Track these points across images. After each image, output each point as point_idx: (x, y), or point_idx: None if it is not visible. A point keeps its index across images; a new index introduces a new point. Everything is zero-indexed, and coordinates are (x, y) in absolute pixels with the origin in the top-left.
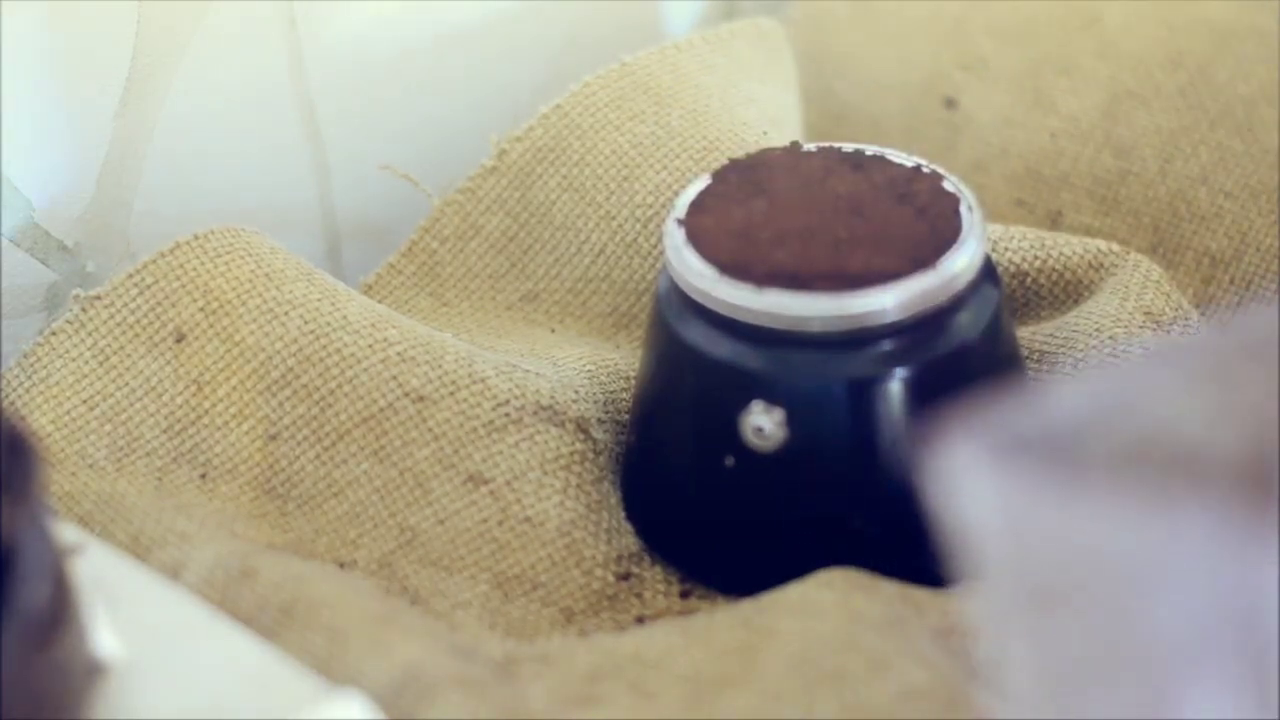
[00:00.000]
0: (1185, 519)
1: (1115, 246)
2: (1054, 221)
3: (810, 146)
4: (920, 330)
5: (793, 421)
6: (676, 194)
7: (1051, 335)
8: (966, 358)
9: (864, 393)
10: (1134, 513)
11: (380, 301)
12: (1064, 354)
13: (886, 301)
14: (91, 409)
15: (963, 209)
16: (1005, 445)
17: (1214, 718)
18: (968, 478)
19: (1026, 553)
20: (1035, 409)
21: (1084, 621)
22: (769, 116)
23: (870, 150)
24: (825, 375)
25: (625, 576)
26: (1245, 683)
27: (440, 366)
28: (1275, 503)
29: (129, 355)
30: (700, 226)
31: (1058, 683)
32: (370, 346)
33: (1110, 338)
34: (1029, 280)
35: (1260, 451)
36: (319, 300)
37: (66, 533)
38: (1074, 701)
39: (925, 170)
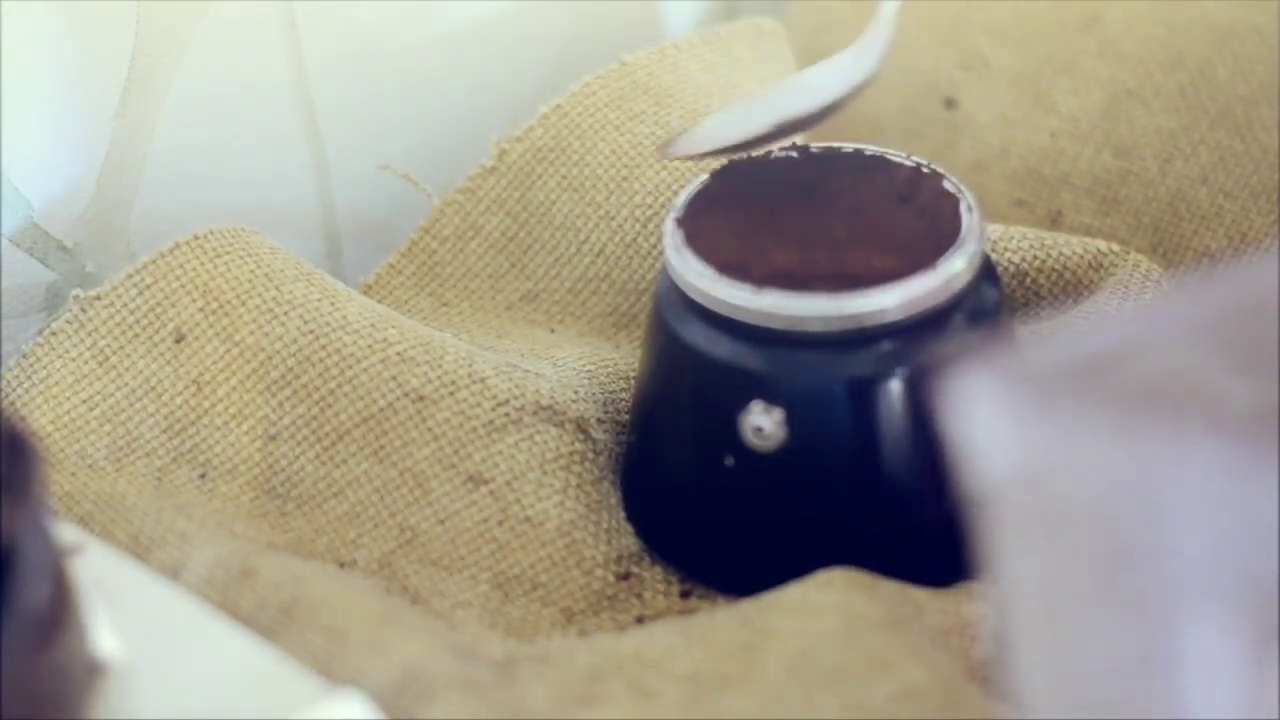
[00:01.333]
0: (1197, 454)
1: (1115, 246)
2: (1054, 221)
3: (810, 146)
4: (920, 330)
5: (792, 421)
6: (676, 194)
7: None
8: (966, 358)
9: (864, 393)
10: (1146, 446)
11: (380, 301)
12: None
13: (886, 301)
14: (91, 409)
15: (963, 209)
16: (1020, 378)
17: (1210, 651)
18: (982, 406)
19: (1037, 481)
20: (1052, 346)
21: (1090, 550)
22: None
23: (870, 150)
24: (825, 375)
25: (625, 576)
26: (1245, 619)
27: (440, 366)
28: None
29: (129, 355)
30: (699, 226)
31: (1060, 610)
32: (370, 346)
33: (1153, 301)
34: (1029, 280)
35: (1275, 398)
36: (319, 300)
37: (66, 533)
38: (1075, 628)
39: (925, 170)
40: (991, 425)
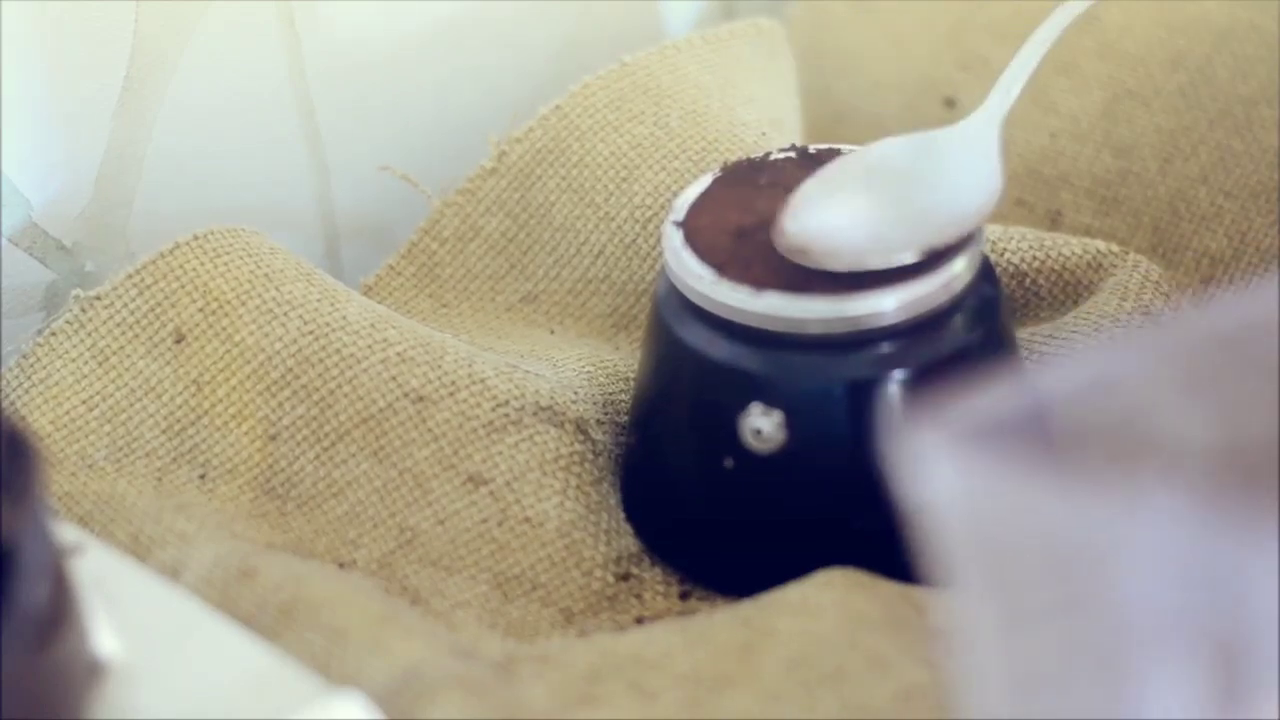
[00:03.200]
0: (1154, 505)
1: (1115, 246)
2: (1054, 221)
3: (810, 147)
4: (919, 332)
5: (792, 423)
6: (675, 195)
7: (1051, 335)
8: (966, 359)
9: (863, 395)
10: (1101, 497)
11: (380, 302)
12: (1063, 354)
13: (885, 303)
14: (91, 409)
15: None
16: (971, 428)
17: (1175, 709)
18: (931, 461)
19: (989, 537)
20: (1003, 393)
21: (1047, 608)
22: (769, 117)
23: None
24: (824, 377)
25: (625, 577)
26: (1209, 674)
27: (440, 367)
28: (1249, 492)
29: (128, 355)
30: (699, 228)
31: (1021, 670)
32: (370, 347)
33: (1109, 338)
34: (1028, 280)
35: (1234, 441)
36: (318, 300)
37: (66, 533)
38: (1037, 690)
39: None
40: (941, 480)
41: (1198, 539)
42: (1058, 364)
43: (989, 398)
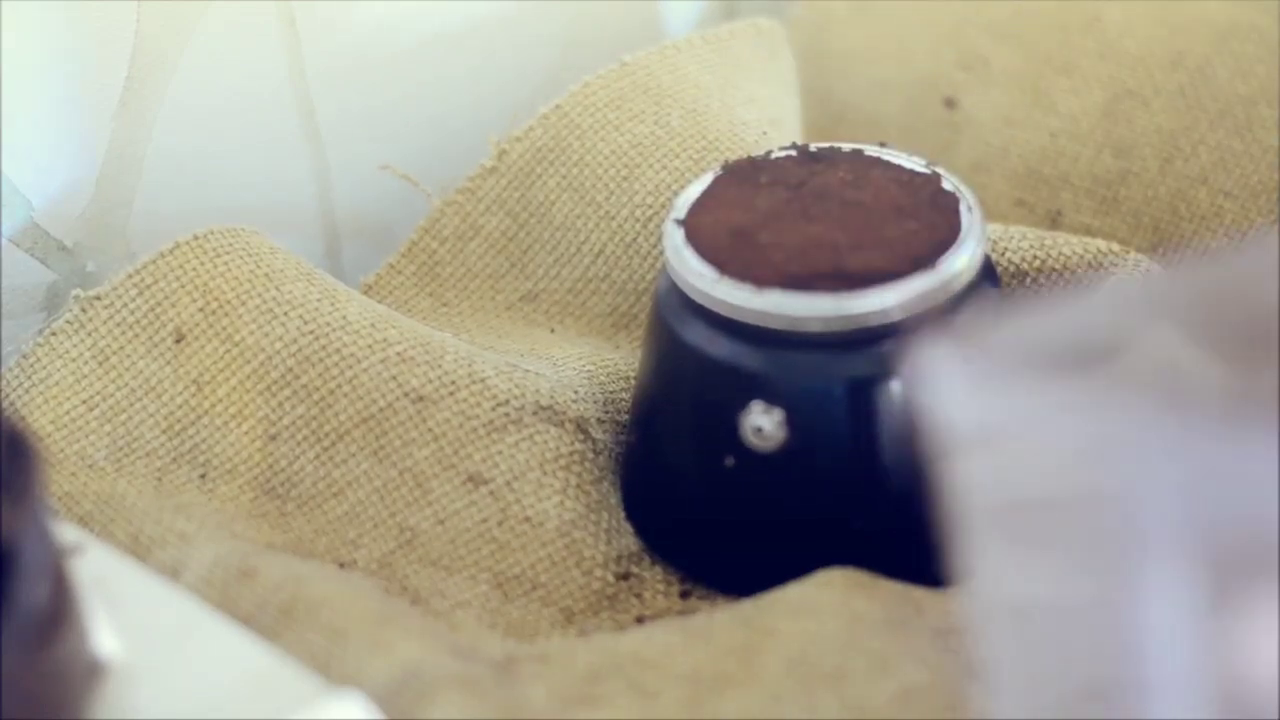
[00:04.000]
0: (1164, 425)
1: (1115, 246)
2: (1054, 221)
3: (810, 146)
4: (920, 331)
5: (792, 422)
6: (676, 194)
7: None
8: None
9: (864, 393)
10: (1111, 414)
11: (380, 301)
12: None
13: (886, 302)
14: (91, 409)
15: (963, 209)
16: (985, 352)
17: (1169, 611)
18: (946, 381)
19: (1001, 454)
20: (1019, 322)
21: (1052, 508)
22: (769, 116)
23: (870, 150)
24: (825, 376)
25: (625, 576)
26: (1203, 577)
27: (440, 366)
28: (1258, 417)
29: (129, 355)
30: (700, 227)
31: (1024, 587)
32: (370, 346)
33: (1118, 282)
34: (1029, 280)
35: (1244, 378)
36: (319, 300)
37: (66, 533)
38: (1038, 588)
39: (925, 170)
40: (954, 394)
41: (1202, 443)
42: (1067, 302)
43: (999, 325)
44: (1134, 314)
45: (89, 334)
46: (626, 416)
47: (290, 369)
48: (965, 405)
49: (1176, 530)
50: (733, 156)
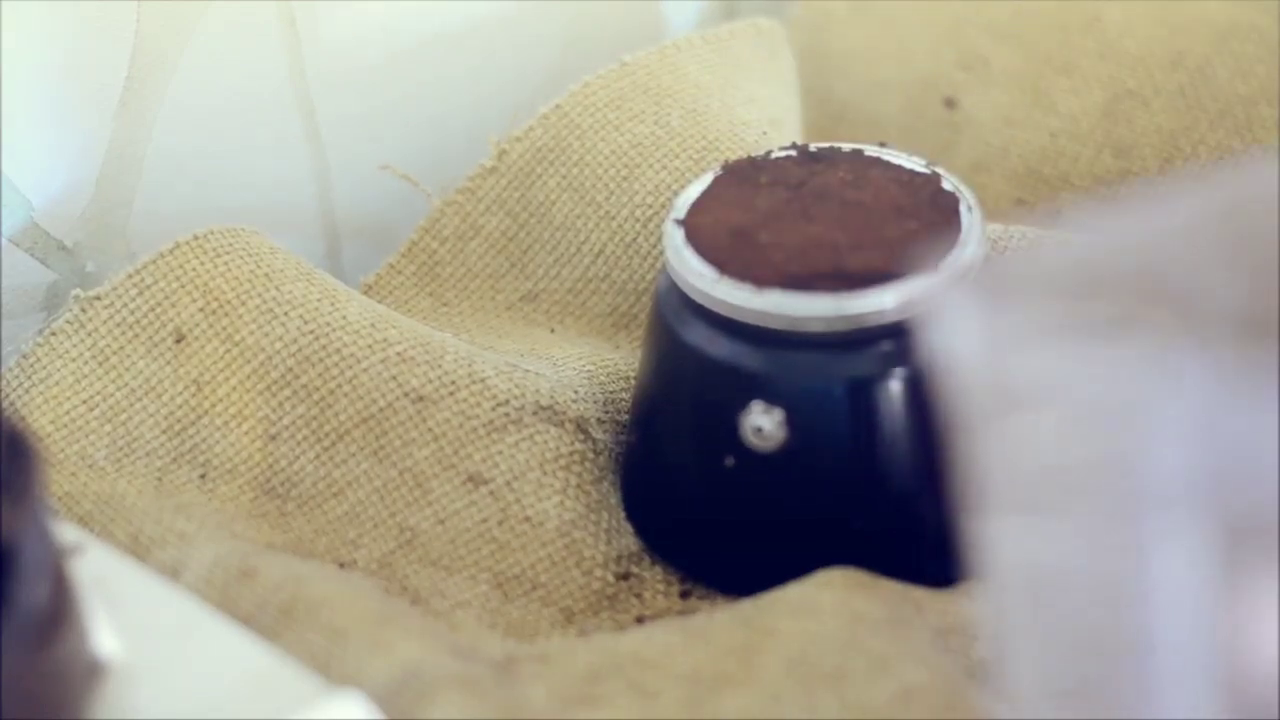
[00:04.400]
0: (1179, 363)
1: None
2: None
3: (810, 146)
4: (920, 330)
5: (792, 422)
6: (676, 194)
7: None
8: None
9: (864, 393)
10: (1125, 353)
11: (380, 301)
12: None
13: (886, 301)
14: (91, 409)
15: (963, 209)
16: (999, 284)
17: (1178, 571)
18: (958, 315)
19: (1011, 389)
20: (1033, 251)
21: (1063, 455)
22: (769, 116)
23: (870, 150)
24: (825, 375)
25: (625, 576)
26: (1214, 539)
27: (440, 366)
28: (1270, 356)
29: (129, 355)
30: (700, 227)
31: (1033, 525)
32: (370, 346)
33: (1139, 201)
34: None
35: (1263, 304)
36: (319, 300)
37: (66, 533)
38: (1038, 524)
39: (925, 170)
40: (968, 330)
41: (1218, 400)
42: (1088, 224)
43: (1013, 254)
44: (1157, 239)
45: (89, 334)
46: (626, 416)
47: (290, 369)
48: (984, 361)
49: (1189, 491)
50: (733, 156)
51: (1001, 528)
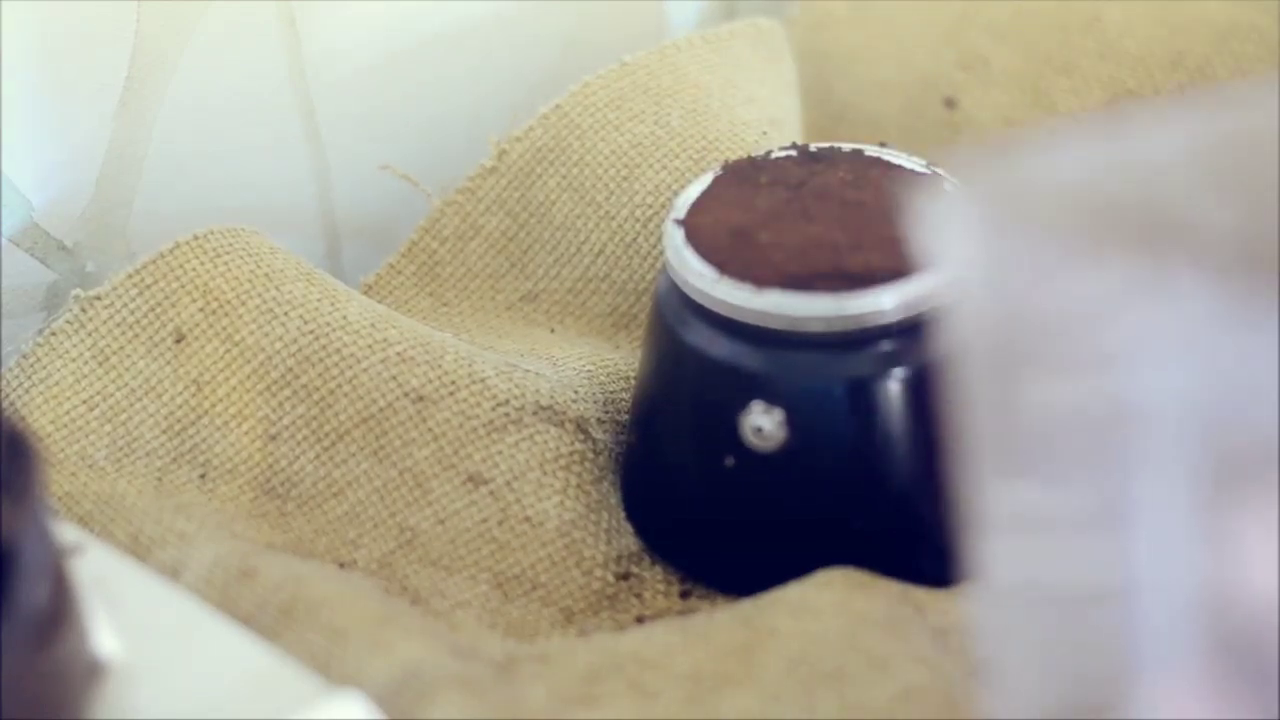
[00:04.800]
0: (1174, 285)
1: None
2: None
3: (810, 146)
4: (920, 330)
5: (793, 422)
6: (676, 194)
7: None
8: None
9: (864, 393)
10: (1121, 272)
11: (380, 301)
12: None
13: (886, 301)
14: (91, 409)
15: None
16: (994, 198)
17: (1164, 495)
18: (954, 229)
19: (1007, 311)
20: (1028, 164)
21: (1060, 383)
22: (769, 116)
23: (870, 150)
24: (825, 375)
25: (625, 576)
26: (1202, 462)
27: (440, 366)
28: (1267, 282)
29: (129, 355)
30: (700, 227)
31: (1017, 441)
32: (370, 346)
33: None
34: None
35: (1259, 228)
36: (319, 300)
37: (66, 533)
38: (1027, 460)
39: (925, 170)
40: (960, 241)
41: (1212, 325)
42: (1084, 141)
43: (1014, 168)
44: (1154, 157)
45: (89, 334)
46: (626, 416)
47: (290, 369)
48: (970, 253)
49: (1177, 430)
50: (733, 156)
51: (987, 478)
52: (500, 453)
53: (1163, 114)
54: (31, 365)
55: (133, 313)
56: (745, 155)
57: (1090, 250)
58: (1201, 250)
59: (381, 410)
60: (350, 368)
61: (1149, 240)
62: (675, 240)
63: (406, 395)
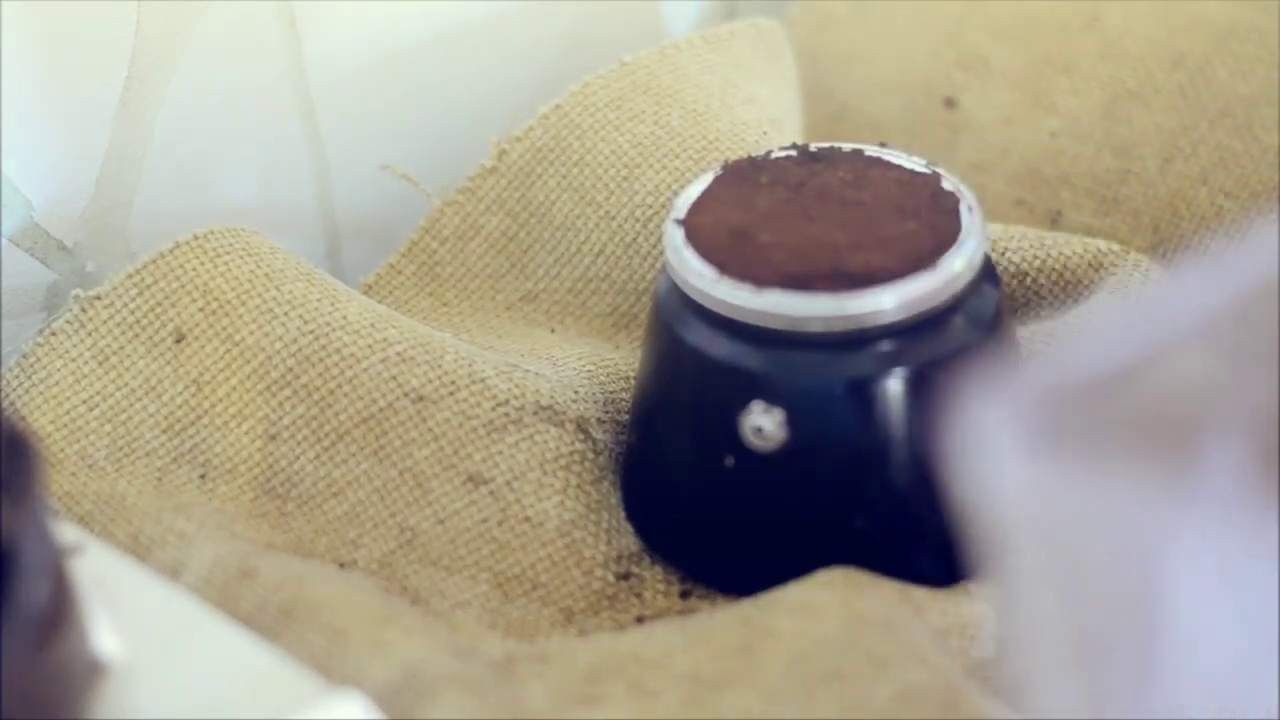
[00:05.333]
0: (1204, 486)
1: (1115, 246)
2: (1054, 221)
3: (810, 146)
4: (920, 330)
5: (793, 422)
6: (676, 194)
7: (1052, 335)
8: (966, 358)
9: (864, 393)
10: (1151, 484)
11: (380, 301)
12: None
13: (886, 302)
14: (91, 409)
15: (963, 209)
16: (1022, 411)
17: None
18: (987, 450)
19: (1048, 528)
20: (1060, 364)
21: (1091, 603)
22: (769, 116)
23: (870, 150)
24: (825, 375)
25: (625, 576)
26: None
27: (440, 366)
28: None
29: (129, 355)
30: (700, 227)
31: (1071, 661)
32: (370, 346)
33: (1138, 306)
34: (1029, 280)
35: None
36: (319, 300)
37: (66, 533)
38: (1081, 680)
39: (925, 170)
40: (997, 456)
41: (1240, 549)
42: (1096, 335)
43: (1046, 369)
44: (1172, 338)
45: (89, 334)
46: (626, 416)
47: (290, 369)
48: (1008, 468)
49: (1213, 638)
50: (733, 156)
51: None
52: (500, 453)
53: (1155, 267)
54: (31, 365)
55: (133, 313)
56: (745, 155)
57: (1128, 461)
58: (1226, 433)
59: (381, 410)
60: (350, 368)
61: (1174, 433)
62: (675, 240)
63: (406, 395)
